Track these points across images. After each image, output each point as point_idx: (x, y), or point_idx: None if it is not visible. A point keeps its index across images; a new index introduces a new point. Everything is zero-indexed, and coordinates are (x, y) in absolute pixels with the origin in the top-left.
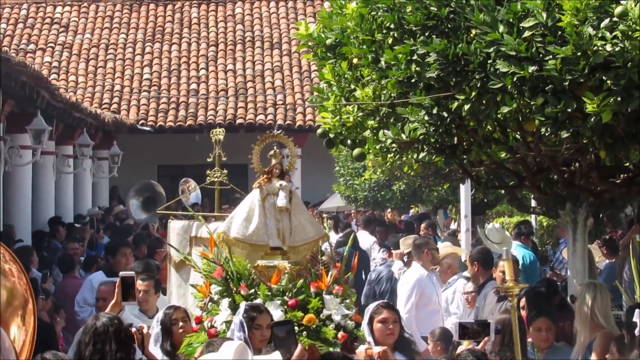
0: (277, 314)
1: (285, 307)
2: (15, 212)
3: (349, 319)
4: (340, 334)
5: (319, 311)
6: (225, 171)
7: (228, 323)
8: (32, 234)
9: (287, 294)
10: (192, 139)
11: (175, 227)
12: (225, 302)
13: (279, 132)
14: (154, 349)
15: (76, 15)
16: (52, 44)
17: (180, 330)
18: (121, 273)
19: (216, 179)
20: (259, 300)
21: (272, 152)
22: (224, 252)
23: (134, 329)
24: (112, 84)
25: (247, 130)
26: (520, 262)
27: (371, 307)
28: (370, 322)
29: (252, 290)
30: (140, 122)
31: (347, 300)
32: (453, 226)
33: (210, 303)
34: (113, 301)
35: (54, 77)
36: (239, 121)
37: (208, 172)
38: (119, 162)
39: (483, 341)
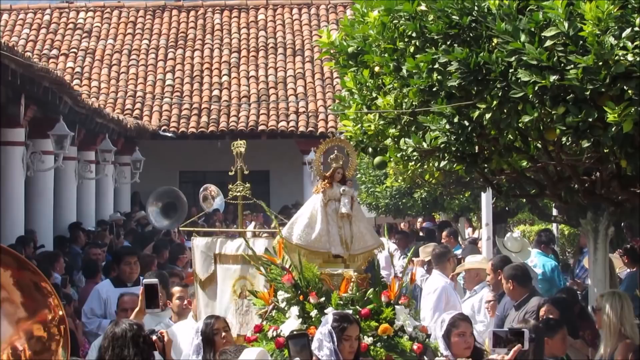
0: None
1: (358, 316)
2: (38, 218)
3: (418, 330)
4: (416, 345)
5: (391, 322)
6: (248, 185)
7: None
8: (54, 239)
9: (357, 303)
10: (214, 145)
11: (198, 244)
12: (294, 310)
13: (340, 136)
14: None
15: (99, 21)
16: (75, 50)
17: (223, 341)
18: (145, 280)
19: (239, 193)
20: (329, 309)
21: (332, 156)
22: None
23: (154, 337)
24: (135, 90)
25: (269, 137)
26: (541, 271)
27: (447, 318)
28: (447, 334)
29: (323, 299)
30: (163, 128)
31: (412, 311)
32: (473, 234)
33: (275, 311)
34: (137, 308)
35: (77, 83)
36: (261, 128)
37: (230, 186)
38: (141, 167)
39: (513, 350)
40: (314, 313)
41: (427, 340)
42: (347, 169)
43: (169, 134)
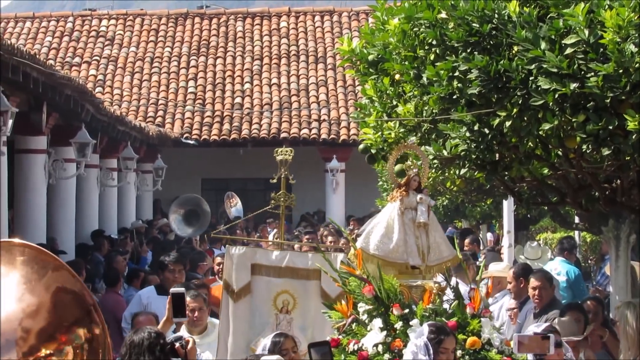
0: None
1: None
2: (59, 225)
3: (504, 343)
4: (505, 359)
5: (478, 334)
6: (292, 196)
7: (383, 345)
8: (76, 247)
9: (441, 314)
10: (237, 152)
11: (234, 253)
12: (377, 322)
13: (412, 142)
14: None
15: (122, 29)
16: (98, 57)
17: None
18: (172, 290)
19: (282, 204)
20: (415, 321)
21: (408, 162)
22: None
23: (177, 343)
24: (157, 98)
25: (291, 144)
26: (565, 278)
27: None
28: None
29: (407, 311)
30: (185, 136)
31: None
32: (495, 241)
33: (354, 324)
34: (164, 318)
35: (99, 91)
36: (282, 135)
37: (273, 195)
38: (163, 175)
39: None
40: (398, 325)
41: (513, 354)
42: (421, 176)
43: (191, 142)
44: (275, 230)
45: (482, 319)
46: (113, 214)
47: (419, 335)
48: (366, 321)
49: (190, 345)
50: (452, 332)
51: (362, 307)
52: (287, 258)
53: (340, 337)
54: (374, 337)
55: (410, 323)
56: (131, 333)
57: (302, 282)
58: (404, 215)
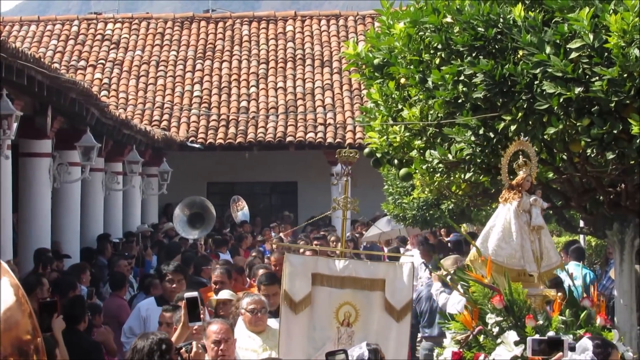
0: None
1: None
2: (64, 229)
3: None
4: None
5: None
6: (356, 199)
7: (520, 359)
8: (81, 250)
9: (571, 326)
10: (242, 156)
11: (293, 261)
12: (512, 335)
13: (526, 139)
14: None
15: (127, 32)
16: (103, 61)
17: None
18: (185, 295)
19: (344, 209)
20: (551, 333)
21: (520, 161)
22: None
23: (183, 349)
24: (162, 101)
25: (297, 148)
26: (579, 282)
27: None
28: None
29: (541, 322)
30: (190, 140)
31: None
32: None
33: (482, 336)
34: (181, 323)
35: (104, 94)
36: (288, 139)
37: (335, 198)
38: (169, 179)
39: (554, 358)
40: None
41: None
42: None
43: (197, 146)
44: (281, 234)
45: (614, 330)
46: (118, 217)
47: (582, 350)
48: (495, 333)
49: (194, 350)
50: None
51: (492, 318)
52: (350, 267)
53: (462, 350)
54: (507, 350)
55: (548, 335)
56: (138, 338)
57: (365, 292)
58: (519, 218)
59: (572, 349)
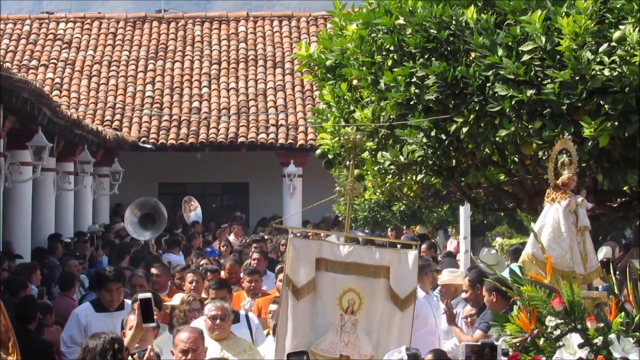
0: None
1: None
2: (15, 229)
3: None
4: None
5: None
6: (363, 184)
7: None
8: (32, 250)
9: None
10: (194, 157)
11: (297, 245)
12: (576, 338)
13: (568, 137)
14: None
15: (79, 32)
16: (55, 61)
17: None
18: (139, 295)
19: (348, 193)
20: (612, 336)
21: (565, 160)
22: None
23: (136, 354)
24: (114, 101)
25: (249, 148)
26: None
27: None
28: None
29: (602, 325)
30: (142, 140)
31: None
32: (449, 247)
33: (542, 339)
34: (134, 325)
35: (56, 94)
36: (240, 140)
37: (340, 182)
38: (120, 179)
39: None
40: (598, 340)
41: None
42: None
43: (149, 146)
44: (232, 235)
45: None
46: (69, 218)
47: None
48: (555, 336)
49: (147, 355)
50: None
51: (552, 320)
52: (355, 253)
53: (520, 354)
54: (568, 353)
55: (610, 338)
56: (89, 338)
57: (370, 280)
58: (567, 218)
59: (504, 354)
